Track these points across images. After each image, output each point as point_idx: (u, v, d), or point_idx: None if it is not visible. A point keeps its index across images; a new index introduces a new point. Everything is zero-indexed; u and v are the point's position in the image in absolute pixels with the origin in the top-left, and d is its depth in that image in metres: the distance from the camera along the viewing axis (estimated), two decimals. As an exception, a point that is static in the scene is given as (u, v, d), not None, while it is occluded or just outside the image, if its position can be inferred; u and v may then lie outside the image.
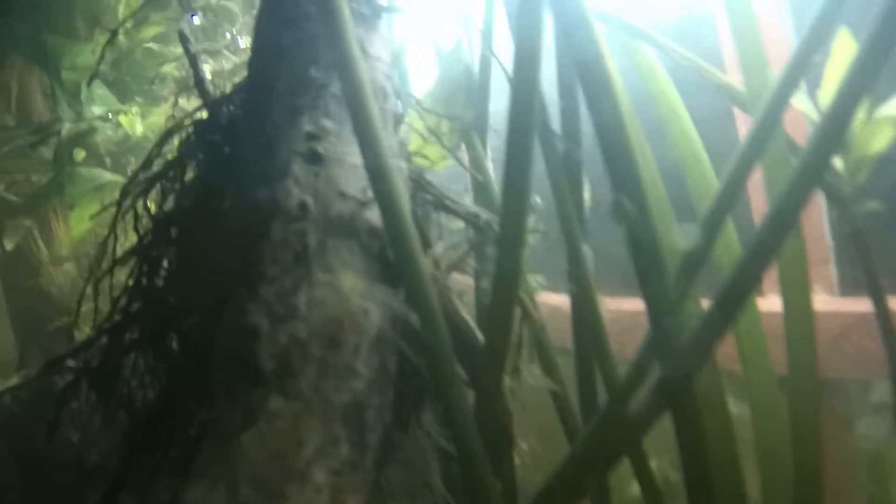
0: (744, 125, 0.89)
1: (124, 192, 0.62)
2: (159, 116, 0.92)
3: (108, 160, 0.96)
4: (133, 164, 0.99)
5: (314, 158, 0.42)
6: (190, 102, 0.87)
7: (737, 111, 0.89)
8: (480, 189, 0.60)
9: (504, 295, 0.42)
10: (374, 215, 0.41)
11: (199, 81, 0.60)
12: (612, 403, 0.48)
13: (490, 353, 0.44)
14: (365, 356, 0.36)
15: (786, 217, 0.37)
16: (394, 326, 0.39)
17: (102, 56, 0.78)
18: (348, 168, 0.42)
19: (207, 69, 0.90)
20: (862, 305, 0.73)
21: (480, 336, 0.46)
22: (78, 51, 0.86)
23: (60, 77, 0.86)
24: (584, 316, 0.52)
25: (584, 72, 0.39)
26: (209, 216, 0.49)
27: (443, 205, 0.48)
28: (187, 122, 0.59)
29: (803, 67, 0.40)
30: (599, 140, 0.40)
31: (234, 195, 0.44)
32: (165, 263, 0.54)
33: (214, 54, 0.74)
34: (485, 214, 0.47)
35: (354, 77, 0.38)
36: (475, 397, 0.45)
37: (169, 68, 0.95)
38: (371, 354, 0.37)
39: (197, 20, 0.84)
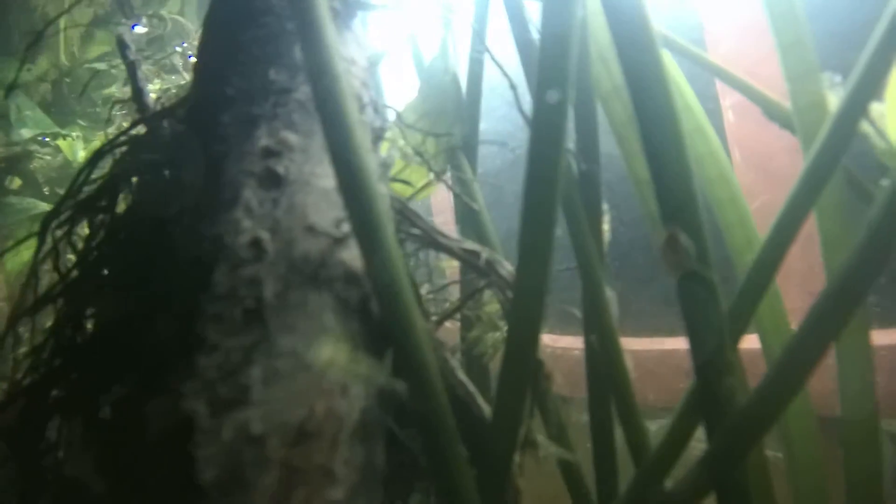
0: (729, 109, 0.81)
1: (45, 224, 0.50)
2: (100, 143, 0.80)
3: (45, 189, 0.84)
4: (75, 193, 0.87)
5: (272, 181, 0.31)
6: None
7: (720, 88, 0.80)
8: (469, 220, 0.49)
9: (521, 356, 0.32)
10: (351, 255, 0.30)
11: (136, 92, 0.49)
12: (642, 479, 0.38)
13: (501, 427, 0.33)
14: (345, 452, 0.26)
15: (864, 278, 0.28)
16: (380, 403, 0.28)
17: (25, 71, 0.66)
18: (317, 194, 0.31)
19: (153, 88, 0.79)
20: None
21: (485, 407, 0.36)
22: (8, 66, 0.74)
23: (-12, 96, 0.74)
24: (604, 368, 0.42)
25: (641, 89, 0.29)
26: (144, 257, 0.38)
27: (433, 241, 0.37)
28: (122, 139, 0.48)
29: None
30: (650, 160, 0.30)
31: (173, 230, 0.33)
32: (91, 311, 0.42)
33: (160, 71, 0.64)
34: (485, 252, 0.37)
35: (329, 76, 0.28)
36: (478, 478, 0.35)
37: (116, 89, 0.83)
38: (353, 448, 0.26)
39: (143, 30, 0.73)
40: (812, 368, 0.29)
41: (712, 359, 0.32)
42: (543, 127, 0.31)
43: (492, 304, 0.48)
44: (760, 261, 0.35)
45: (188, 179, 0.34)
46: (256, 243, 0.29)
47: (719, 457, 0.32)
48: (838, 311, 0.29)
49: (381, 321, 0.29)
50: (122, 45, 0.51)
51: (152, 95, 0.49)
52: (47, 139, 0.79)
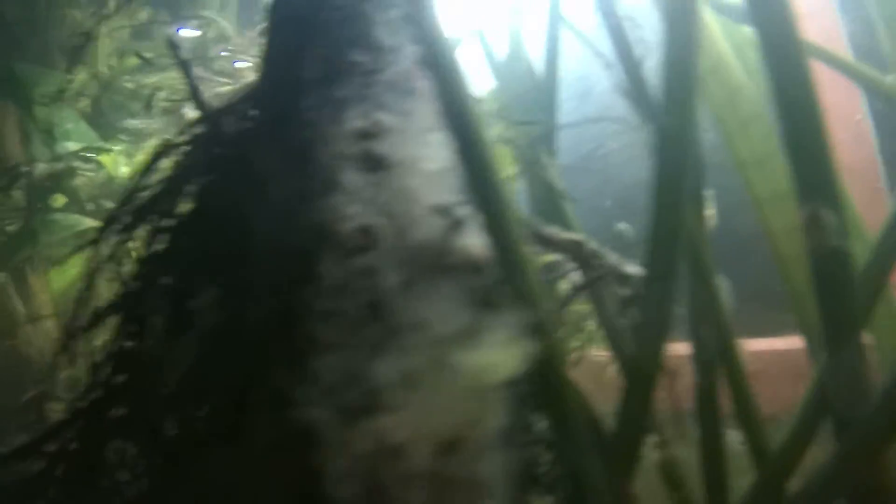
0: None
1: (101, 233, 0.46)
2: (147, 156, 0.76)
3: (89, 205, 0.81)
4: (118, 208, 0.82)
5: (373, 163, 0.27)
6: (163, 127, 0.72)
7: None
8: (549, 212, 0.45)
9: (648, 365, 0.28)
10: (469, 242, 0.26)
11: (194, 90, 0.45)
12: (763, 483, 0.34)
13: (623, 444, 0.29)
14: (489, 461, 0.21)
15: None
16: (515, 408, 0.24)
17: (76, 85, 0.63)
18: (423, 177, 0.27)
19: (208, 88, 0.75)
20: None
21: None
22: (53, 80, 0.70)
23: (32, 110, 0.70)
24: (715, 366, 0.37)
25: (781, 66, 0.25)
26: (221, 257, 0.34)
27: (536, 233, 0.33)
28: (181, 139, 0.44)
29: None
30: (788, 136, 0.26)
31: (259, 223, 0.29)
32: (159, 322, 0.38)
33: (209, 72, 0.60)
34: (592, 243, 0.33)
35: (443, 48, 0.24)
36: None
37: (157, 101, 0.80)
38: (495, 457, 0.22)
39: (189, 34, 0.70)
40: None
41: (849, 346, 0.27)
42: (670, 137, 0.27)
43: (575, 304, 0.44)
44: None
45: (270, 169, 0.30)
46: (366, 230, 0.25)
47: (850, 456, 0.28)
48: None
49: (506, 315, 0.25)
50: (173, 45, 0.48)
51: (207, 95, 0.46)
52: (90, 154, 0.75)
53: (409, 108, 0.31)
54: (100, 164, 0.77)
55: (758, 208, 0.38)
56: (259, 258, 0.27)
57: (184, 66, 0.46)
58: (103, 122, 0.77)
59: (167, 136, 0.72)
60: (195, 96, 0.45)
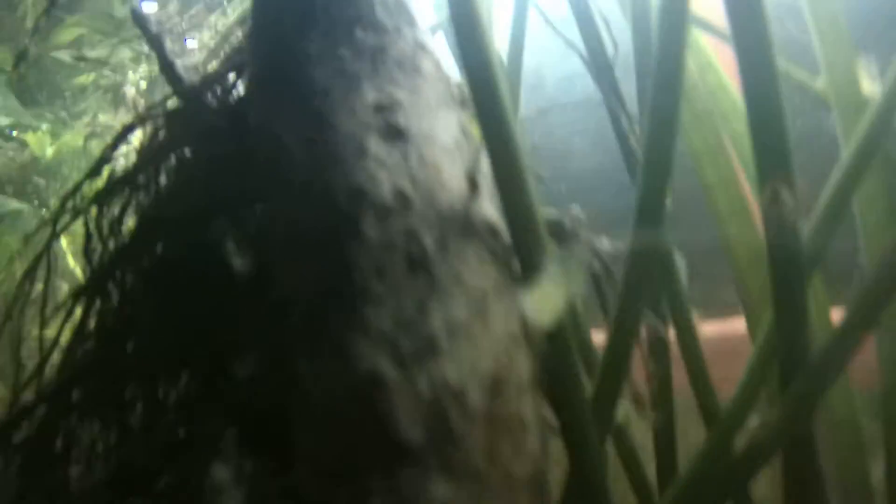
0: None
1: (60, 208, 0.44)
2: (76, 136, 0.71)
3: (9, 187, 0.74)
4: (43, 189, 0.75)
5: (394, 134, 0.28)
6: (116, 118, 0.68)
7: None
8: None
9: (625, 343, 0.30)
10: (487, 208, 0.28)
11: (166, 67, 0.44)
12: (714, 441, 0.38)
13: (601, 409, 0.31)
14: (529, 402, 0.23)
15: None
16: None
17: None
18: (440, 148, 0.29)
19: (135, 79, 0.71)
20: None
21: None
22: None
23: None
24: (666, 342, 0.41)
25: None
26: (221, 223, 0.33)
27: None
28: (156, 112, 0.43)
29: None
30: (752, 115, 0.29)
31: (277, 190, 0.29)
32: (143, 297, 0.37)
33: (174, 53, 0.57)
34: (571, 220, 0.35)
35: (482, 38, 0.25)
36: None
37: (88, 78, 0.74)
38: (530, 397, 0.23)
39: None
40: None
41: (796, 315, 0.31)
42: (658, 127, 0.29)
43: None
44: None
45: (286, 134, 0.30)
46: (400, 194, 0.26)
47: (788, 414, 0.32)
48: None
49: (520, 276, 0.27)
50: (140, 20, 0.46)
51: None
52: (14, 132, 0.70)
53: (418, 85, 0.32)
54: (23, 144, 0.72)
55: (707, 193, 0.42)
56: (293, 216, 0.27)
57: (155, 42, 0.45)
58: (28, 101, 0.71)
59: (100, 115, 0.68)
60: (168, 72, 0.44)
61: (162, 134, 0.41)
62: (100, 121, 0.68)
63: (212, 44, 0.62)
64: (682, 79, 0.29)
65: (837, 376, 0.29)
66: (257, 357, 0.25)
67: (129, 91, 0.70)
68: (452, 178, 0.28)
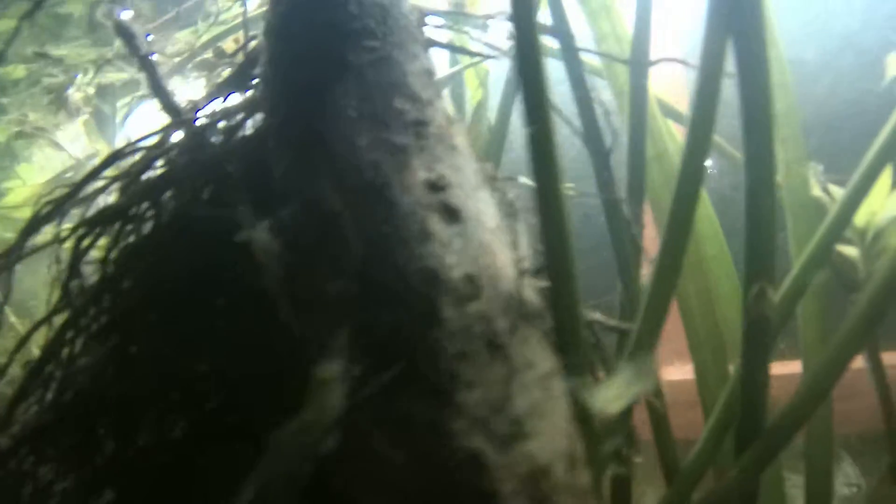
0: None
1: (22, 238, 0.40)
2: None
3: None
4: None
5: (452, 215, 0.30)
6: (45, 118, 0.60)
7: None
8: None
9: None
10: (531, 294, 0.30)
11: (159, 91, 0.41)
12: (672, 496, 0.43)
13: None
14: (585, 473, 0.26)
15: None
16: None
17: None
18: (490, 231, 0.31)
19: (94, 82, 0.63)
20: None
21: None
22: None
23: None
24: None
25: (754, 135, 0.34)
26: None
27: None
28: (145, 144, 0.40)
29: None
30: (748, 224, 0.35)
31: (323, 261, 0.29)
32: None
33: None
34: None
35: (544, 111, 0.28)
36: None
37: (18, 71, 0.63)
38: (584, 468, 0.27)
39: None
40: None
41: (756, 377, 0.38)
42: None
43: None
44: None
45: (342, 206, 0.30)
46: (470, 278, 0.28)
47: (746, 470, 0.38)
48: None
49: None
50: (126, 36, 0.42)
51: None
52: None
53: (459, 163, 0.34)
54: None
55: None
56: (353, 294, 0.28)
57: (145, 63, 0.42)
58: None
59: (33, 112, 0.63)
60: (163, 99, 0.42)
61: (150, 165, 0.39)
62: (30, 119, 0.60)
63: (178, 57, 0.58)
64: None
65: (790, 442, 0.35)
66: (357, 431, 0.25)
67: (74, 95, 0.62)
68: (505, 262, 0.30)
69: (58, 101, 0.59)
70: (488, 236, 0.31)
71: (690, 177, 0.35)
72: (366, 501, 0.24)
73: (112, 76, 0.64)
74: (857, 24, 0.81)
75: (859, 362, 0.64)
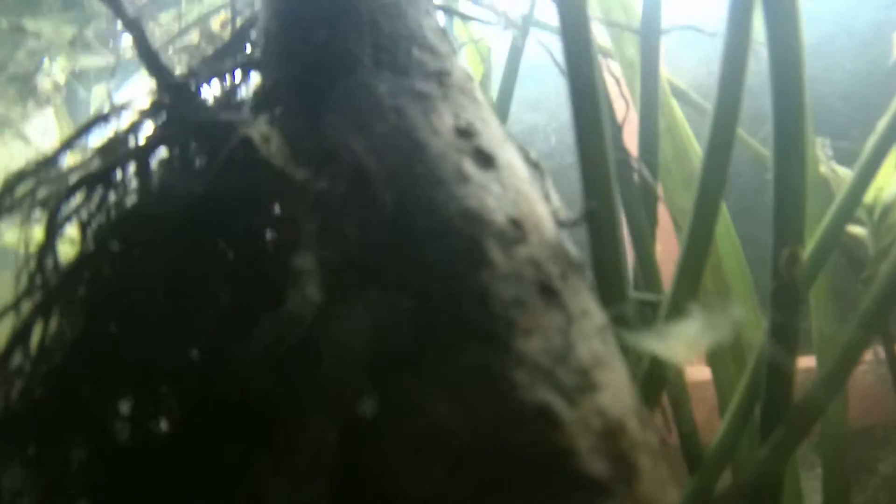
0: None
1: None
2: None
3: None
4: None
5: (486, 160, 0.27)
6: (11, 109, 0.55)
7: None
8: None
9: None
10: (572, 248, 0.27)
11: (148, 56, 0.37)
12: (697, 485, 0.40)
13: None
14: (652, 430, 0.23)
15: None
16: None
17: None
18: (524, 181, 0.28)
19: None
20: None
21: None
22: None
23: None
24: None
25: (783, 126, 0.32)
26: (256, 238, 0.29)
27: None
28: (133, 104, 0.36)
29: None
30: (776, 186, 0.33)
31: (349, 208, 0.26)
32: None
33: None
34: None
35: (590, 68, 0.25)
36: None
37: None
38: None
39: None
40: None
41: (787, 356, 0.36)
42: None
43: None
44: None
45: (366, 152, 0.27)
46: (516, 223, 0.24)
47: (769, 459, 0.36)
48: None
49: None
50: (113, 1, 0.38)
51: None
52: None
53: (484, 114, 0.31)
54: None
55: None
56: (385, 239, 0.24)
57: (134, 27, 0.38)
58: None
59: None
60: (150, 63, 0.38)
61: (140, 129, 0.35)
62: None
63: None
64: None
65: (814, 425, 0.33)
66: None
67: (44, 83, 0.57)
68: (543, 212, 0.27)
69: (25, 89, 0.53)
70: (524, 185, 0.27)
71: (722, 138, 0.33)
72: (407, 477, 0.20)
73: (87, 61, 0.58)
74: (850, 8, 0.83)
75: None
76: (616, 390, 0.21)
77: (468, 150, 0.27)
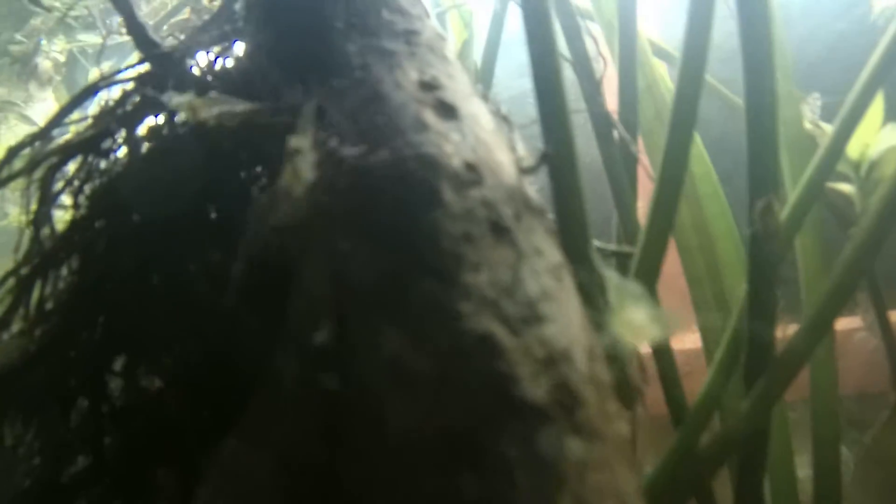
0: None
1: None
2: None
3: None
4: None
5: (448, 111, 0.27)
6: (13, 92, 0.56)
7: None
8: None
9: None
10: (533, 193, 0.27)
11: (133, 25, 0.38)
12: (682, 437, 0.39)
13: None
14: (605, 367, 0.23)
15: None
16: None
17: None
18: (488, 131, 0.28)
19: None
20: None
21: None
22: None
23: None
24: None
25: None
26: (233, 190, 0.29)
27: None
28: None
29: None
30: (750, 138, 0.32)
31: (322, 159, 0.26)
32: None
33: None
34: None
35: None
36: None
37: None
38: (604, 363, 0.23)
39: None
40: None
41: (767, 306, 0.35)
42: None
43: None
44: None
45: (332, 107, 0.27)
46: (471, 166, 0.24)
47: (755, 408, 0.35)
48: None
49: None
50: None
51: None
52: None
53: (452, 71, 0.30)
54: None
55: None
56: (351, 184, 0.24)
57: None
58: None
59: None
60: (135, 31, 0.38)
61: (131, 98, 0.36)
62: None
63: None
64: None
65: (797, 375, 0.32)
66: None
67: (44, 64, 0.58)
68: (505, 159, 0.27)
69: (26, 70, 0.54)
70: (486, 135, 0.27)
71: (689, 88, 0.32)
72: (370, 406, 0.20)
73: (85, 39, 0.59)
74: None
75: (855, 322, 0.60)
76: (564, 324, 0.21)
77: (430, 101, 0.27)
